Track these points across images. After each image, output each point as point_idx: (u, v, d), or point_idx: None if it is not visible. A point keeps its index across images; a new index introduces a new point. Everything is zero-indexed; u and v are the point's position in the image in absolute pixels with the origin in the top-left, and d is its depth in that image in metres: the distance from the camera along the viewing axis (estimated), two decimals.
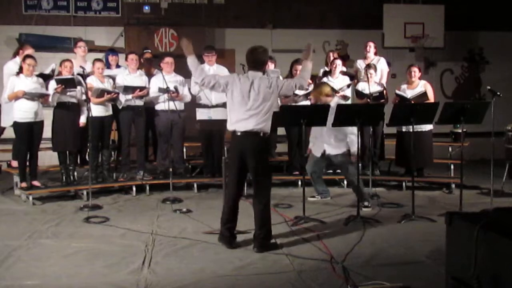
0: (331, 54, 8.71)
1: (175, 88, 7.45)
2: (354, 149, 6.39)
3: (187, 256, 4.72)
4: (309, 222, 5.80)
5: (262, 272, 4.29)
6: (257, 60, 4.90)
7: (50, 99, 7.09)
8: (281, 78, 8.12)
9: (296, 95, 7.55)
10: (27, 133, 7.04)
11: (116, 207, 6.84)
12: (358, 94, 7.84)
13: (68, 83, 7.08)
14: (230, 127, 4.89)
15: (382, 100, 7.58)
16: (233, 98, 4.83)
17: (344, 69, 8.60)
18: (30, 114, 6.99)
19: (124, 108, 7.63)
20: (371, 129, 7.77)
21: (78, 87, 7.19)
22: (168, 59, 7.77)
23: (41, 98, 7.02)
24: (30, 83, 7.00)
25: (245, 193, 6.69)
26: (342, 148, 6.63)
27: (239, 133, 4.80)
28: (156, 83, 7.57)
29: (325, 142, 6.68)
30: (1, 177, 8.38)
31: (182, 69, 8.26)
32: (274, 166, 7.79)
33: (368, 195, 6.86)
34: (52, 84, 7.14)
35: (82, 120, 7.36)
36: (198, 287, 4.02)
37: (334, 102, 6.53)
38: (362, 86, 7.87)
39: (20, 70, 7.01)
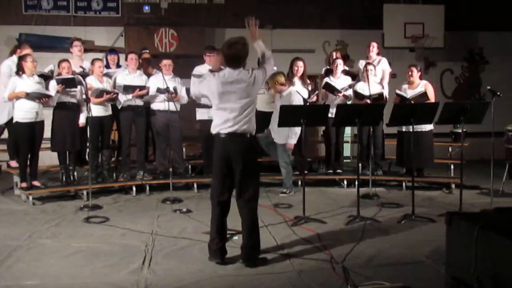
0: (334, 53, 8.69)
1: (174, 88, 7.44)
2: (291, 140, 7.17)
3: (187, 256, 4.71)
4: (309, 222, 5.80)
5: (262, 272, 4.28)
6: (236, 57, 4.38)
7: (50, 100, 7.08)
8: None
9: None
10: (28, 133, 7.03)
11: (116, 207, 6.84)
12: (357, 95, 7.81)
13: (68, 83, 7.08)
14: (213, 130, 4.47)
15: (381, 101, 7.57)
16: (214, 100, 4.45)
17: (348, 68, 8.58)
18: (31, 114, 6.98)
19: (124, 108, 7.62)
20: (371, 130, 7.77)
21: (79, 87, 7.19)
22: (166, 62, 7.73)
23: (42, 98, 7.01)
24: (32, 84, 6.99)
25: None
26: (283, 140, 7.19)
27: (223, 136, 4.39)
28: (155, 83, 7.56)
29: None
30: (1, 177, 8.38)
31: (182, 69, 8.31)
32: (274, 166, 7.79)
33: (291, 186, 7.45)
34: (53, 85, 7.14)
35: (82, 120, 7.35)
36: (198, 287, 4.01)
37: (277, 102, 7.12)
38: (360, 86, 7.86)
39: (21, 70, 6.96)
